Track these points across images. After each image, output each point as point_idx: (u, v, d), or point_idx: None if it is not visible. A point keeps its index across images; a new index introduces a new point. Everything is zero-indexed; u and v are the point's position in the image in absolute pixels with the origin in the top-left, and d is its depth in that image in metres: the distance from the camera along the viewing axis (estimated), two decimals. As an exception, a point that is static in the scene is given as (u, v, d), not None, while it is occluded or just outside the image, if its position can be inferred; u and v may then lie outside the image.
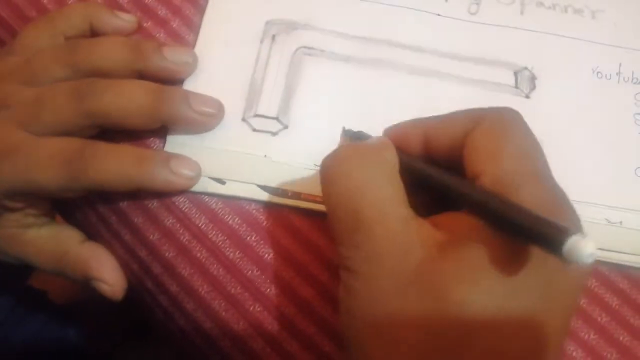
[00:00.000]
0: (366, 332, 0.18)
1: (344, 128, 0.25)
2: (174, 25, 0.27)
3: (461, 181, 0.18)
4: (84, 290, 0.26)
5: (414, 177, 0.19)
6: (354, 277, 0.18)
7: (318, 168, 0.24)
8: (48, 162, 0.23)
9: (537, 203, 0.16)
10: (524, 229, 0.15)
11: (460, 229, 0.18)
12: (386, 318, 0.17)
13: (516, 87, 0.26)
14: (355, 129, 0.24)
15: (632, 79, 0.26)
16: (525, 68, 0.26)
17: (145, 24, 0.27)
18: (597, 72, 0.26)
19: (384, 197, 0.18)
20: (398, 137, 0.21)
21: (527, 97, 0.26)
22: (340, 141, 0.25)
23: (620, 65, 0.26)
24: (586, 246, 0.13)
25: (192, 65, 0.25)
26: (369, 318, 0.17)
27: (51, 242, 0.25)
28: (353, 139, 0.24)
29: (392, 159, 0.20)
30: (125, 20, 0.26)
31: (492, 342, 0.16)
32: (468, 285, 0.16)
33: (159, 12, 0.27)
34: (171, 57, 0.25)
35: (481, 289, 0.16)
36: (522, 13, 0.27)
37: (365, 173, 0.19)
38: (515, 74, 0.26)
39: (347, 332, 0.19)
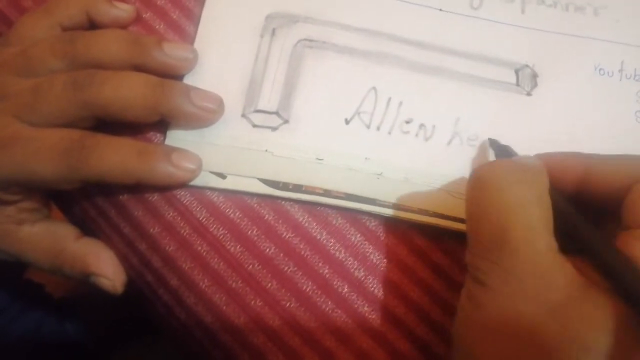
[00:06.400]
0: (486, 346, 0.18)
1: (489, 139, 0.24)
2: (173, 17, 0.27)
3: (606, 247, 0.18)
4: (82, 284, 0.25)
5: (555, 212, 0.19)
6: (484, 290, 0.18)
7: (319, 160, 0.25)
8: (47, 152, 0.22)
9: None
10: None
11: (597, 277, 0.17)
12: (515, 338, 0.17)
13: (517, 84, 0.26)
14: (503, 142, 0.24)
15: (635, 76, 0.26)
16: (527, 66, 0.26)
17: (144, 15, 0.27)
18: (599, 70, 0.26)
19: (536, 221, 0.18)
20: (553, 166, 0.20)
21: (529, 94, 0.26)
22: (485, 152, 0.25)
23: (622, 62, 0.26)
24: None
25: (192, 61, 0.25)
26: (493, 333, 0.18)
27: (47, 239, 0.25)
28: (498, 151, 0.24)
29: (546, 185, 0.19)
30: (123, 10, 0.26)
31: None
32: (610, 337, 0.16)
33: (159, 3, 0.27)
34: (171, 52, 0.24)
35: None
36: (523, 12, 0.27)
37: (520, 192, 0.18)
38: (517, 71, 0.26)
39: (462, 340, 0.19)
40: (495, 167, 0.20)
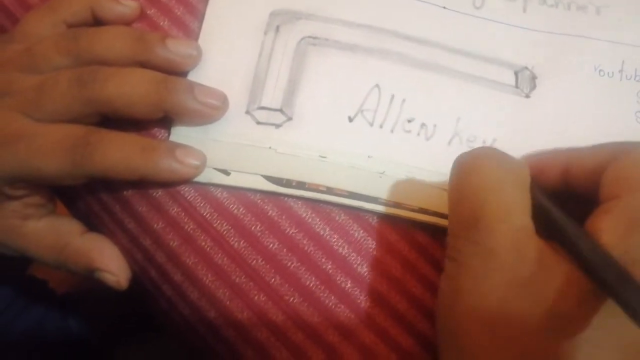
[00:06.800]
0: (466, 324, 0.18)
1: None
2: (178, 13, 0.27)
3: (576, 230, 0.18)
4: (85, 280, 0.26)
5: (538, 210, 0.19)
6: (462, 269, 0.18)
7: (322, 158, 0.25)
8: (51, 148, 0.22)
9: None
10: (611, 287, 0.16)
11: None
12: (490, 313, 0.18)
13: (516, 86, 0.26)
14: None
15: (635, 77, 0.26)
16: (526, 67, 0.26)
17: (148, 12, 0.27)
18: (599, 70, 0.26)
19: (511, 202, 0.19)
20: (536, 165, 0.21)
21: (527, 96, 0.26)
22: None
23: (623, 62, 0.26)
24: None
25: (196, 58, 0.25)
26: (472, 311, 0.18)
27: (51, 234, 0.25)
28: None
29: (527, 179, 0.20)
30: (127, 6, 0.26)
31: None
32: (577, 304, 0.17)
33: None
34: (175, 49, 0.24)
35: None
36: (524, 11, 0.27)
37: (499, 174, 0.19)
38: (516, 73, 0.26)
39: (445, 320, 0.19)
40: (476, 152, 0.20)
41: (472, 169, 0.20)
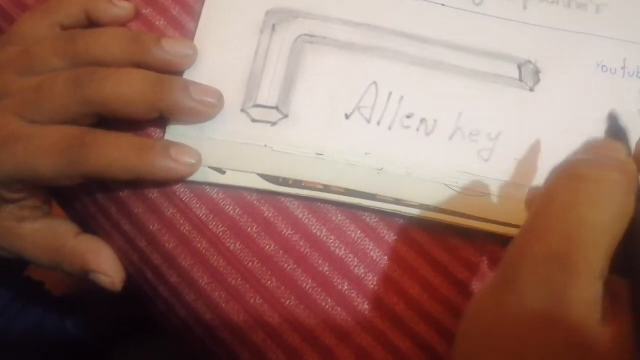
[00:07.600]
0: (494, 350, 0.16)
1: (611, 112, 0.21)
2: (174, 13, 0.27)
3: None
4: (82, 281, 0.26)
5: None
6: (519, 300, 0.16)
7: (319, 156, 0.25)
8: (48, 149, 0.22)
9: None
10: None
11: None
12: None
13: (520, 80, 0.26)
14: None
15: (638, 73, 0.26)
16: (529, 61, 0.26)
17: (144, 11, 0.27)
18: (602, 67, 0.26)
19: (607, 245, 0.16)
20: None
21: (532, 90, 0.26)
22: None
23: (625, 59, 0.26)
24: None
25: (191, 58, 0.25)
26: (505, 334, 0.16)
27: (47, 236, 0.25)
28: (611, 131, 0.20)
29: (629, 205, 0.16)
30: (123, 8, 0.26)
31: None
32: None
33: None
34: (171, 49, 0.24)
35: None
36: (525, 8, 0.27)
37: (611, 216, 0.16)
38: (519, 67, 0.26)
39: (466, 342, 0.18)
40: (585, 172, 0.17)
41: (579, 195, 0.16)
